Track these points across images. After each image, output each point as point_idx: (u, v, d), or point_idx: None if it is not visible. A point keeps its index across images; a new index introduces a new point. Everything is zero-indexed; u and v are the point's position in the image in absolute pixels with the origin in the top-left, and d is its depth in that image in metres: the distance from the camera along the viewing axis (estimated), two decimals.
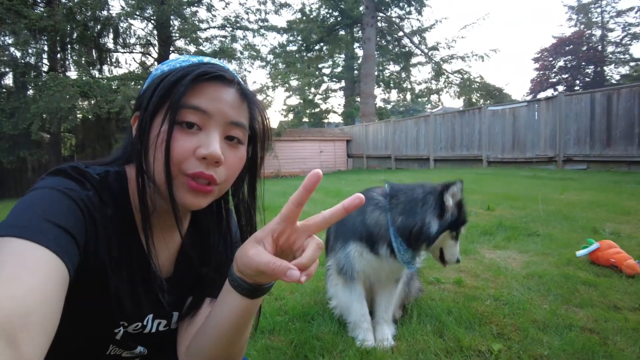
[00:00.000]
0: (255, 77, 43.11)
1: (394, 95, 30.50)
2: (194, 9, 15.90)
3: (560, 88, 30.26)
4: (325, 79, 30.22)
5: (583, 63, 29.44)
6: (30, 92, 12.33)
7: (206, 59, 0.75)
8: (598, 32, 30.03)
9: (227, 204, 0.85)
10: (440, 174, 10.09)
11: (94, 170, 0.69)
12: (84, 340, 0.73)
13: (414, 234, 1.72)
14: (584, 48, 29.32)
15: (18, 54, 12.31)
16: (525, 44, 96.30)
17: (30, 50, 12.42)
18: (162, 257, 0.80)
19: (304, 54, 25.82)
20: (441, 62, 24.19)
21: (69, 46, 13.33)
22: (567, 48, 29.80)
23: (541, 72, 31.61)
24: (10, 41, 11.96)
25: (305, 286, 2.58)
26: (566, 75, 30.23)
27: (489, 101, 21.07)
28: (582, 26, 30.61)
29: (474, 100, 23.56)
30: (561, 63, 30.57)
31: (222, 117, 0.70)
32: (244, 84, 0.74)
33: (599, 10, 29.85)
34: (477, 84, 23.69)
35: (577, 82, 29.97)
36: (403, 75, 26.75)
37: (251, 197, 0.84)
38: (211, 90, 0.69)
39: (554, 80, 30.94)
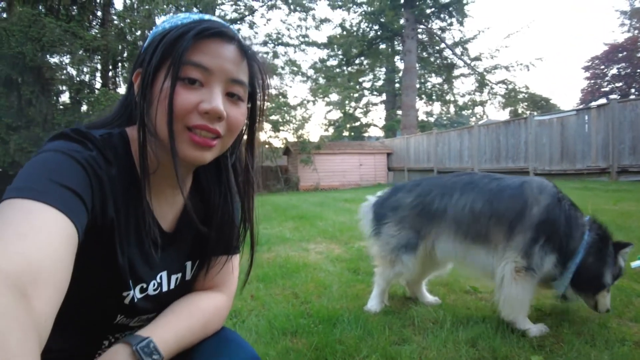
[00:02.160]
0: (296, 91, 43.89)
1: (436, 107, 29.96)
2: (237, 26, 16.47)
3: (614, 97, 28.67)
4: (366, 92, 30.07)
5: (638, 70, 27.78)
6: (84, 107, 13.05)
7: (207, 16, 0.75)
8: None
9: (226, 161, 0.85)
10: None
11: (97, 132, 0.70)
12: (93, 310, 0.73)
13: (593, 277, 1.91)
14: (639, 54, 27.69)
15: (74, 72, 13.11)
16: (573, 52, 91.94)
17: (85, 69, 13.20)
18: (167, 215, 0.81)
19: (345, 68, 25.97)
20: (484, 73, 23.58)
21: (119, 64, 14.06)
22: (621, 55, 28.23)
23: (592, 81, 30.06)
24: (67, 61, 12.77)
25: (333, 291, 2.51)
26: (620, 84, 28.58)
27: (535, 112, 20.28)
28: (636, 31, 28.97)
29: (519, 111, 22.74)
30: (614, 71, 28.92)
31: (223, 74, 0.70)
32: (243, 41, 0.74)
33: None
34: (523, 95, 22.89)
35: (633, 90, 28.26)
36: (445, 87, 26.32)
37: (249, 153, 0.84)
38: (212, 46, 0.70)
39: (607, 89, 29.30)
